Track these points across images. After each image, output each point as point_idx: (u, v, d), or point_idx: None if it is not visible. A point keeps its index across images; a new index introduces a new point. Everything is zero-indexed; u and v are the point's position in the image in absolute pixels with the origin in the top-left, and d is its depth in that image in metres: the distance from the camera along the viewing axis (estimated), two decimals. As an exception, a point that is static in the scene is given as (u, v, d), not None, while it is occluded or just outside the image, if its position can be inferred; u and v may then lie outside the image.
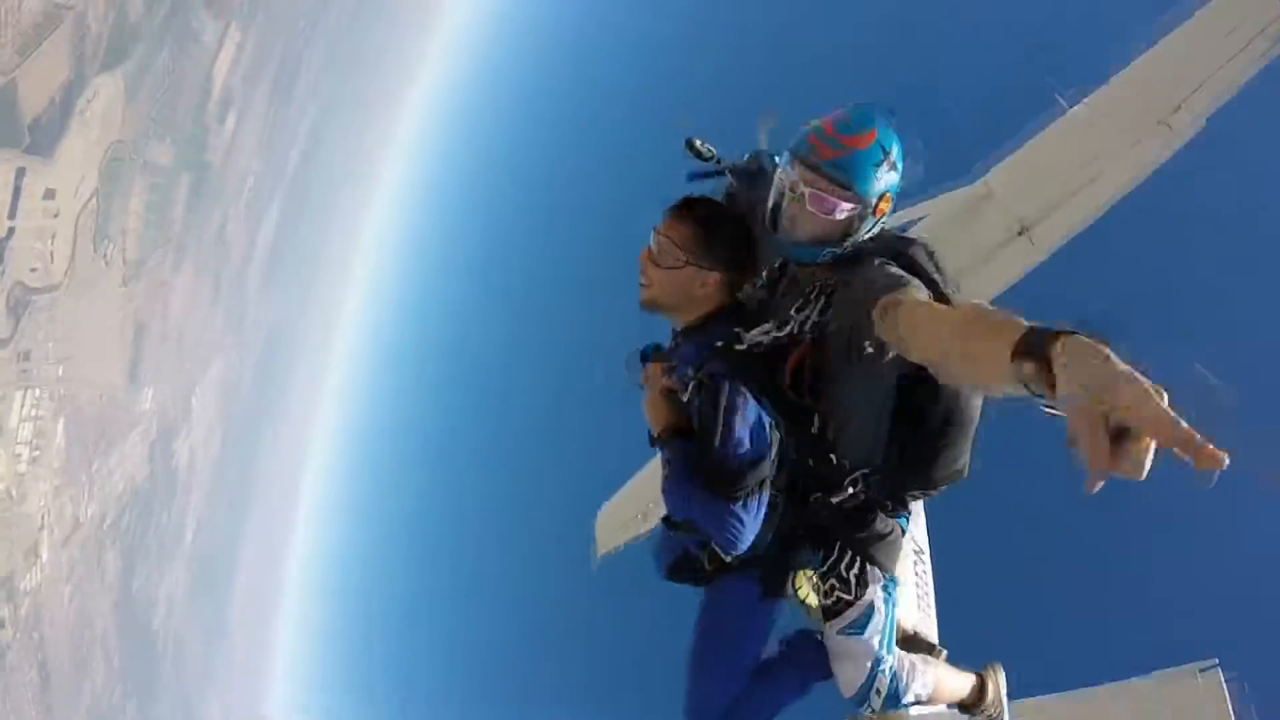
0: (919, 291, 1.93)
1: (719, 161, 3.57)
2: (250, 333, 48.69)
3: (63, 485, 27.74)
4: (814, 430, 2.28)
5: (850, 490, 2.31)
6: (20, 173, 21.60)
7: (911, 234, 4.04)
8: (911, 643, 3.00)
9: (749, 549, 2.22)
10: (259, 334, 50.31)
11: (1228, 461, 1.02)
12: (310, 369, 66.66)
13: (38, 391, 26.06)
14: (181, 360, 38.78)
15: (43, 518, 26.02)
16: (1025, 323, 1.38)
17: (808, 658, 2.60)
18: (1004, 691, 2.88)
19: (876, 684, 2.47)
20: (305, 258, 54.80)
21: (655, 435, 2.32)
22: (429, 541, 64.04)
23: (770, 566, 2.42)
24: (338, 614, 69.92)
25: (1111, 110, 4.42)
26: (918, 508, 3.66)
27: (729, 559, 2.34)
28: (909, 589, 3.75)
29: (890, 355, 1.86)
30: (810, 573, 2.47)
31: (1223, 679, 3.91)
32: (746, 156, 3.77)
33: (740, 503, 2.15)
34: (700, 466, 2.19)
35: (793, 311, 2.30)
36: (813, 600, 2.53)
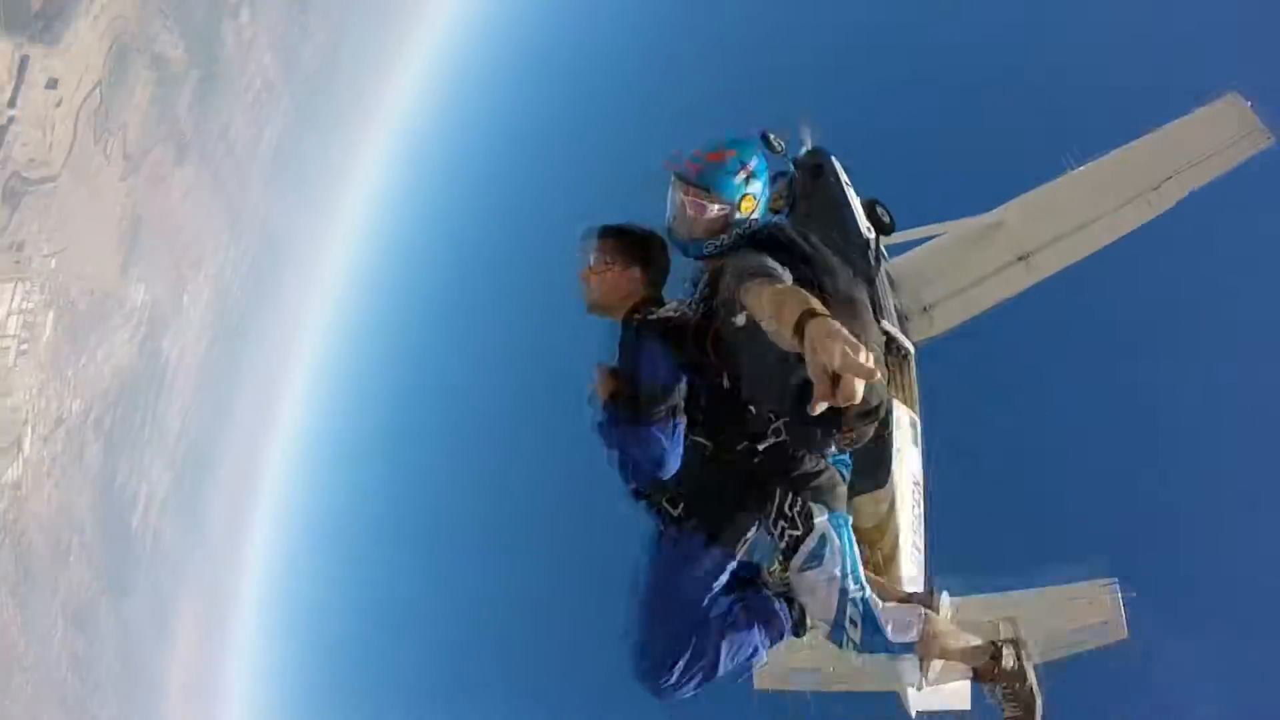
0: (767, 277, 2.40)
1: (787, 156, 4.89)
2: (247, 235, 48.04)
3: (49, 380, 27.57)
4: (725, 386, 2.69)
5: (771, 436, 2.68)
6: (24, 61, 20.85)
7: (925, 246, 5.64)
8: (909, 601, 3.11)
9: (677, 478, 2.65)
10: (256, 237, 49.61)
11: (876, 375, 1.68)
12: (303, 278, 65.97)
13: (29, 284, 25.65)
14: (176, 258, 38.25)
15: (27, 413, 25.91)
16: (802, 304, 1.94)
17: (756, 611, 2.82)
18: (1028, 663, 2.87)
19: (848, 615, 2.67)
20: (309, 166, 53.66)
21: (602, 405, 2.75)
22: (414, 451, 64.68)
23: (713, 518, 2.74)
24: (318, 519, 70.92)
25: (1108, 177, 5.71)
26: (914, 441, 5.02)
27: (674, 505, 2.76)
28: (907, 515, 4.92)
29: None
30: (780, 557, 2.78)
31: (1119, 592, 5.15)
32: (805, 151, 5.26)
33: (657, 425, 2.59)
34: (628, 412, 2.66)
35: (694, 293, 2.87)
36: (777, 567, 2.80)
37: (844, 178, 5.49)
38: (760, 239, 2.80)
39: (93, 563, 31.13)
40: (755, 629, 2.81)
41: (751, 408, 2.70)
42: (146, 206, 32.78)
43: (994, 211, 6.00)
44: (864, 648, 2.74)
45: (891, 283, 5.79)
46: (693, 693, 2.76)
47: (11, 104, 21.29)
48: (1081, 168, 5.86)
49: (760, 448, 2.71)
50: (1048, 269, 5.80)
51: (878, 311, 4.85)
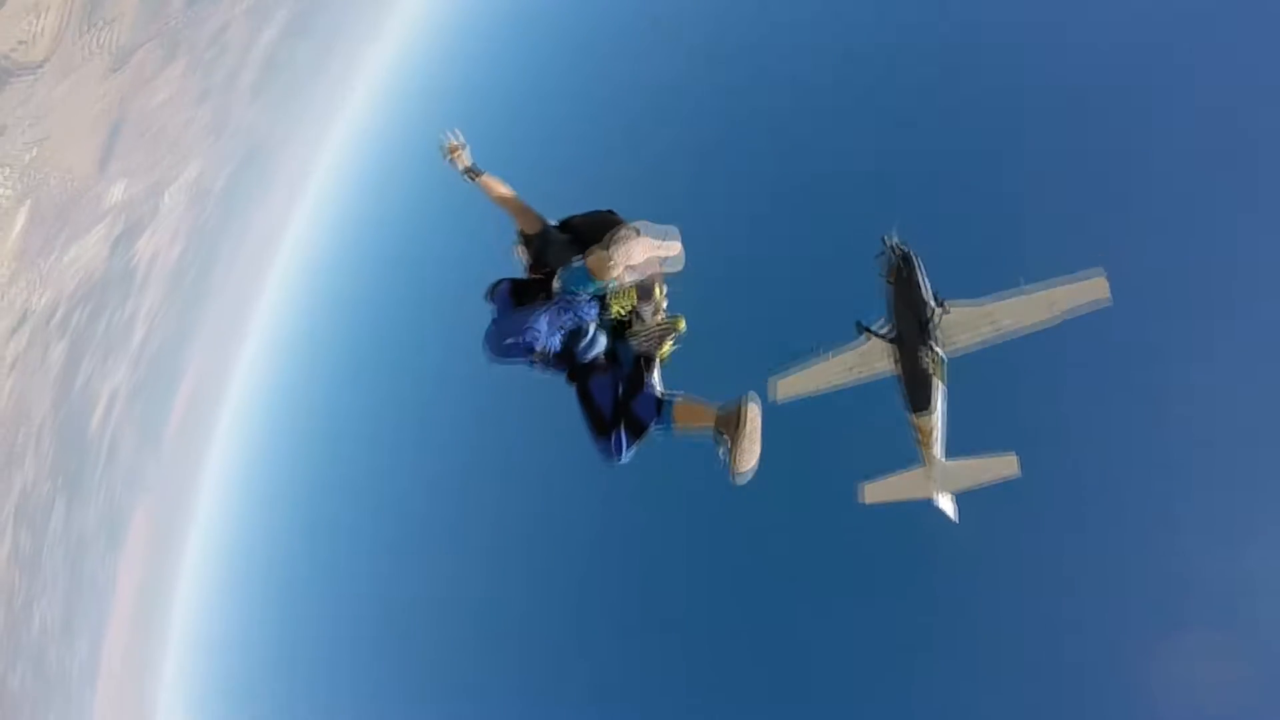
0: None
1: (888, 249, 18.72)
2: (232, 141, 46.51)
3: (18, 272, 26.65)
4: (550, 273, 5.22)
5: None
6: (19, -59, 19.61)
7: (952, 313, 19.30)
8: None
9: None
10: (241, 144, 48.05)
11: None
12: (285, 190, 64.32)
13: (6, 171, 24.60)
14: (157, 158, 36.90)
15: (-7, 305, 25.11)
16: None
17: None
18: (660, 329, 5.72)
19: (574, 266, 5.27)
20: (301, 77, 51.86)
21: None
22: (382, 368, 64.18)
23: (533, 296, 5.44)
24: (277, 437, 70.35)
25: (1035, 298, 16.94)
26: (944, 398, 19.26)
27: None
28: (940, 426, 19.82)
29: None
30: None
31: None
32: (898, 240, 19.18)
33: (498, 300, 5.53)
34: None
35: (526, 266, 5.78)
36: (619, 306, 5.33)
37: (920, 267, 17.33)
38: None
39: (48, 464, 30.55)
40: (568, 308, 5.11)
41: (558, 270, 5.23)
42: (132, 102, 31.46)
43: (986, 301, 16.47)
44: (569, 273, 5.16)
45: (939, 328, 16.78)
46: (519, 346, 5.00)
47: (2, -16, 20.07)
48: (1025, 287, 16.35)
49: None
50: (1009, 334, 16.68)
51: (934, 342, 18.26)
